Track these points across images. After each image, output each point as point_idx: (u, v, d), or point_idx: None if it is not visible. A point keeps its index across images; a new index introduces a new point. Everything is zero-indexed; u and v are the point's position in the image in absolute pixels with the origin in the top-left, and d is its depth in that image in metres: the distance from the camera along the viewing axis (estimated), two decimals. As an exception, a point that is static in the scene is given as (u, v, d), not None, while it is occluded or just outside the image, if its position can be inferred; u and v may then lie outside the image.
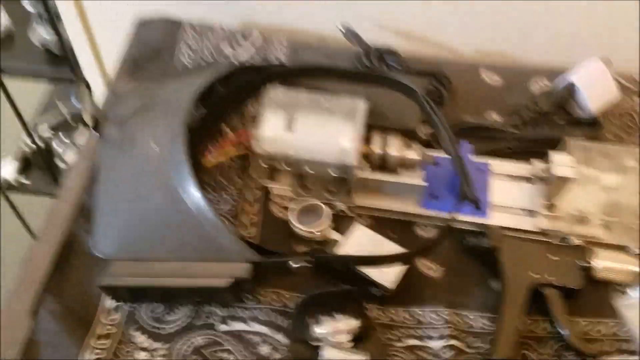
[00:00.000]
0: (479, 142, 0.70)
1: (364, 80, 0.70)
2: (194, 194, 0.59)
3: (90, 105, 0.63)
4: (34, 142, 1.21)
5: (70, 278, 0.60)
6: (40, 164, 1.32)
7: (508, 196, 0.68)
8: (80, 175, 0.68)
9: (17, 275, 0.60)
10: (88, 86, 1.09)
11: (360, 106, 0.66)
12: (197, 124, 0.67)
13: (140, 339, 0.58)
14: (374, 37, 0.82)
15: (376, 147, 0.66)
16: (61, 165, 1.31)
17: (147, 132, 0.65)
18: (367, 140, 0.66)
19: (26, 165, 1.34)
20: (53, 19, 0.95)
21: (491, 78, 0.83)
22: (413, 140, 0.67)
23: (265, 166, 0.67)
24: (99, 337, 0.57)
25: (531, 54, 0.88)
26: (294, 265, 0.58)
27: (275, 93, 0.67)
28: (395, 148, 0.66)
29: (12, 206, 1.34)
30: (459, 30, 0.88)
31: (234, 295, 0.59)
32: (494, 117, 0.78)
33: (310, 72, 0.72)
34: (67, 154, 1.32)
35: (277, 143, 0.65)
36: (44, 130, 1.36)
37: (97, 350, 0.56)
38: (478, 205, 0.62)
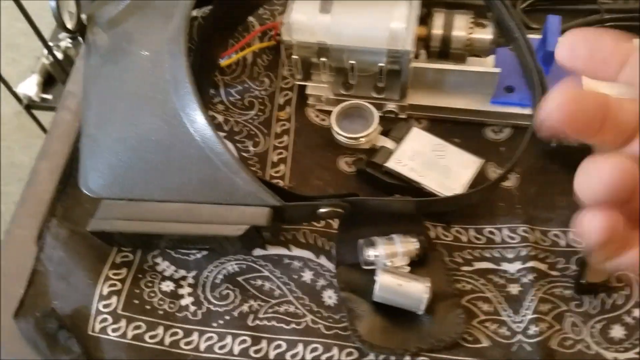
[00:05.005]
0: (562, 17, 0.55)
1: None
2: (198, 119, 0.45)
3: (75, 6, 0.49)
4: (52, 55, 1.12)
5: (79, 198, 0.52)
6: (62, 78, 1.23)
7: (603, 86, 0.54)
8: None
9: (20, 197, 0.52)
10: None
11: (416, -24, 0.51)
12: (207, 25, 0.53)
13: (163, 266, 0.50)
14: None
15: (437, 29, 0.52)
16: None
17: (139, 38, 0.51)
18: (425, 19, 0.53)
19: (49, 80, 1.26)
20: None
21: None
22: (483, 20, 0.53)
23: (297, 58, 0.54)
24: (115, 265, 0.49)
25: None
26: (322, 211, 0.46)
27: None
28: (462, 28, 0.52)
29: (39, 124, 1.28)
30: None
31: (251, 244, 0.49)
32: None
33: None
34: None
35: (311, 29, 0.52)
36: (65, 43, 1.26)
37: (113, 281, 0.48)
38: None
